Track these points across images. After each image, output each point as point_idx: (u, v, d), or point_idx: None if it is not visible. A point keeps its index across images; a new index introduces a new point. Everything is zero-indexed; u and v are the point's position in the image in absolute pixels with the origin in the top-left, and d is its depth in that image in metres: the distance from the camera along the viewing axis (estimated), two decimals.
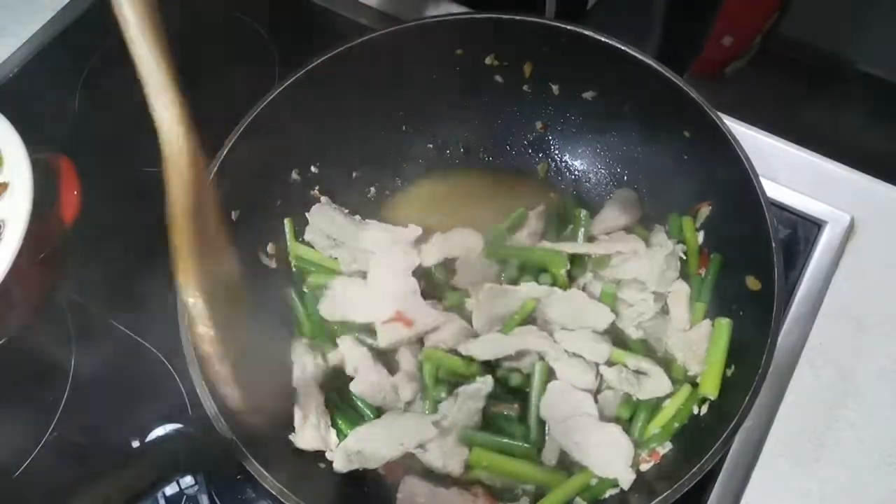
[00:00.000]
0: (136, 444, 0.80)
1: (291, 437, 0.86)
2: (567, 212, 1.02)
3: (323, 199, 1.05)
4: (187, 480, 0.81)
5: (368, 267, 0.97)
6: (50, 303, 1.04)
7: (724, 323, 0.86)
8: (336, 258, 1.01)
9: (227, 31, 1.33)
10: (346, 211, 1.05)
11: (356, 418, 0.90)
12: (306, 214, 1.03)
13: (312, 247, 1.03)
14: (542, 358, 0.88)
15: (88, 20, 1.36)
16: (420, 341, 0.93)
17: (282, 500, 0.75)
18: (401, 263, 0.97)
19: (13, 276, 0.85)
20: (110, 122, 1.24)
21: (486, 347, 0.88)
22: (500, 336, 0.89)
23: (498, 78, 1.05)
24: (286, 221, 1.03)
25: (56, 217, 0.94)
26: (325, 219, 1.03)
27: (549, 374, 0.88)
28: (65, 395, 0.99)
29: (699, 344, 0.88)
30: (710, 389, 0.84)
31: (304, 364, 0.90)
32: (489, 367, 0.90)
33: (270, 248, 1.02)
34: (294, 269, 1.02)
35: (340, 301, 0.97)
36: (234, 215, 0.95)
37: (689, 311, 0.91)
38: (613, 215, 1.00)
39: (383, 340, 0.93)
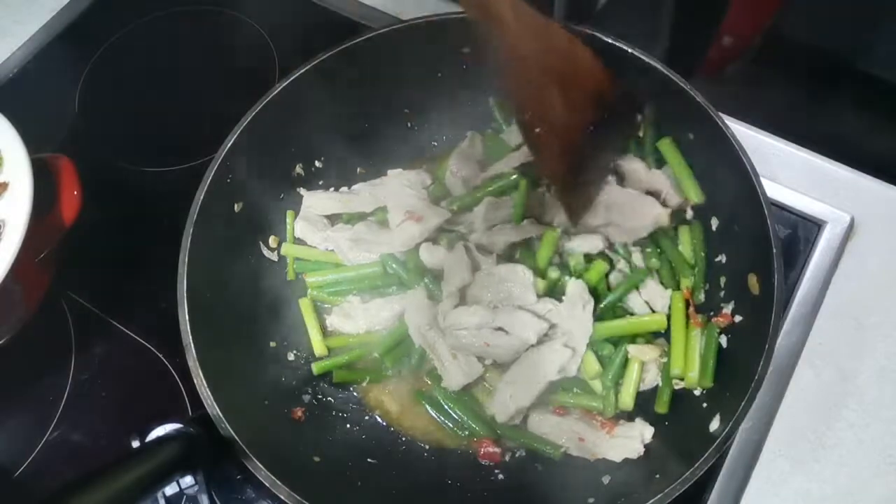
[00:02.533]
0: (136, 444, 0.80)
1: (444, 384, 0.91)
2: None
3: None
4: (187, 480, 0.80)
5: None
6: (50, 303, 1.04)
7: (667, 142, 0.96)
8: (332, 250, 1.01)
9: (227, 31, 1.33)
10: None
11: None
12: (303, 197, 1.03)
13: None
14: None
15: (88, 20, 1.36)
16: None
17: (282, 498, 0.75)
18: (410, 180, 1.03)
19: (13, 276, 0.85)
20: (110, 122, 1.25)
21: (494, 238, 0.96)
22: (508, 227, 0.96)
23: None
24: (288, 213, 1.03)
25: (56, 217, 0.94)
26: (320, 196, 1.04)
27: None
28: (65, 395, 1.00)
29: (664, 177, 0.97)
30: (694, 197, 0.94)
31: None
32: None
33: (272, 240, 1.02)
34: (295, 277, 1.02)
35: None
36: (236, 207, 0.96)
37: (643, 165, 0.98)
38: None
39: (397, 240, 0.97)
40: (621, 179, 0.99)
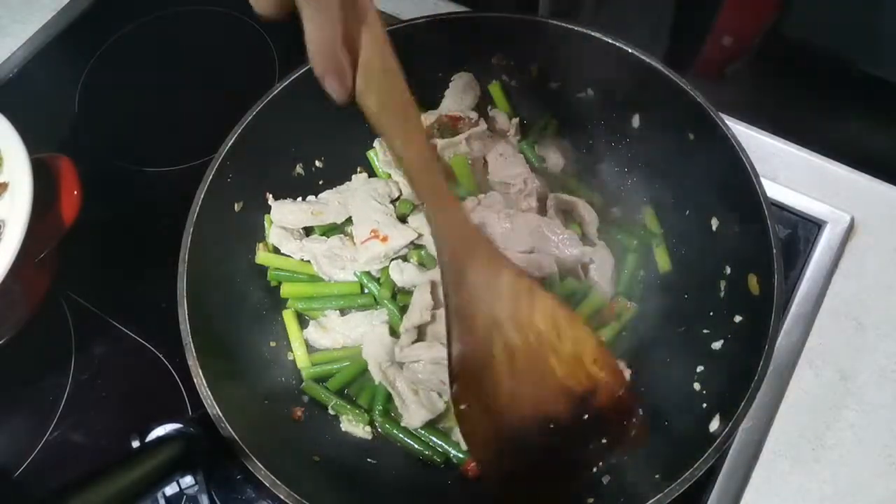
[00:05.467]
0: (136, 444, 0.80)
1: (404, 423, 0.88)
2: None
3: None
4: (187, 480, 0.80)
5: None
6: (50, 303, 1.04)
7: None
8: (307, 260, 0.99)
9: (227, 31, 1.33)
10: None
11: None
12: (269, 215, 1.01)
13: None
14: None
15: (88, 20, 1.36)
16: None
17: (282, 497, 0.75)
18: (378, 190, 1.01)
19: (13, 276, 0.85)
20: (110, 122, 1.25)
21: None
22: None
23: (504, 77, 1.05)
24: (266, 218, 1.01)
25: (56, 217, 0.94)
26: (290, 209, 1.01)
27: None
28: (65, 395, 1.00)
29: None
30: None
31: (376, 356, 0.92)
32: None
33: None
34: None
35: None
36: (236, 207, 0.96)
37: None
38: (456, 100, 1.06)
39: (362, 258, 0.96)
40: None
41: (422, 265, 0.97)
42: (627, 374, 0.92)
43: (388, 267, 0.97)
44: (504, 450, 0.70)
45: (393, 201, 1.02)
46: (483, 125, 1.03)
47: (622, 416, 0.71)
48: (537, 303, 0.68)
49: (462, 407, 0.69)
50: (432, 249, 0.97)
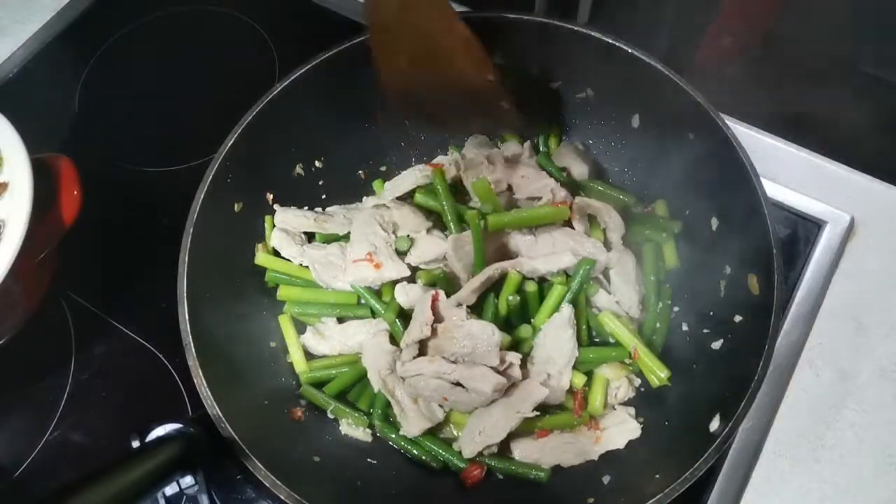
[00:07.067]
0: (136, 444, 0.80)
1: (403, 431, 0.88)
2: None
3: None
4: (187, 480, 0.80)
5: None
6: (50, 303, 1.04)
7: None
8: (306, 266, 0.98)
9: (227, 31, 1.33)
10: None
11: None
12: (273, 217, 1.00)
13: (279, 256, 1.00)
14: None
15: (88, 20, 1.36)
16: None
17: (282, 497, 0.75)
18: (384, 217, 0.99)
19: (13, 276, 0.85)
20: (110, 122, 1.25)
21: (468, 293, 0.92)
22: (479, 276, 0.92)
23: (504, 77, 1.05)
24: (266, 220, 1.01)
25: (56, 217, 0.94)
26: (294, 213, 1.01)
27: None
28: (65, 395, 1.00)
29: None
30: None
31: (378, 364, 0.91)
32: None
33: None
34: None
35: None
36: (236, 207, 0.96)
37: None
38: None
39: (350, 274, 0.95)
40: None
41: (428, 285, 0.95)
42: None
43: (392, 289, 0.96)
44: (405, 97, 0.93)
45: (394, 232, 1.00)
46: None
47: (491, 98, 0.93)
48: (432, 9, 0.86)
49: (375, 55, 0.89)
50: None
